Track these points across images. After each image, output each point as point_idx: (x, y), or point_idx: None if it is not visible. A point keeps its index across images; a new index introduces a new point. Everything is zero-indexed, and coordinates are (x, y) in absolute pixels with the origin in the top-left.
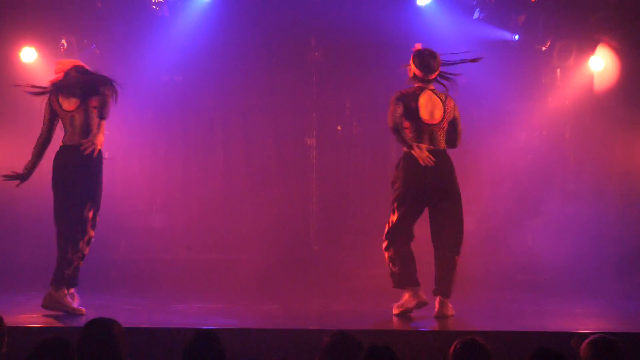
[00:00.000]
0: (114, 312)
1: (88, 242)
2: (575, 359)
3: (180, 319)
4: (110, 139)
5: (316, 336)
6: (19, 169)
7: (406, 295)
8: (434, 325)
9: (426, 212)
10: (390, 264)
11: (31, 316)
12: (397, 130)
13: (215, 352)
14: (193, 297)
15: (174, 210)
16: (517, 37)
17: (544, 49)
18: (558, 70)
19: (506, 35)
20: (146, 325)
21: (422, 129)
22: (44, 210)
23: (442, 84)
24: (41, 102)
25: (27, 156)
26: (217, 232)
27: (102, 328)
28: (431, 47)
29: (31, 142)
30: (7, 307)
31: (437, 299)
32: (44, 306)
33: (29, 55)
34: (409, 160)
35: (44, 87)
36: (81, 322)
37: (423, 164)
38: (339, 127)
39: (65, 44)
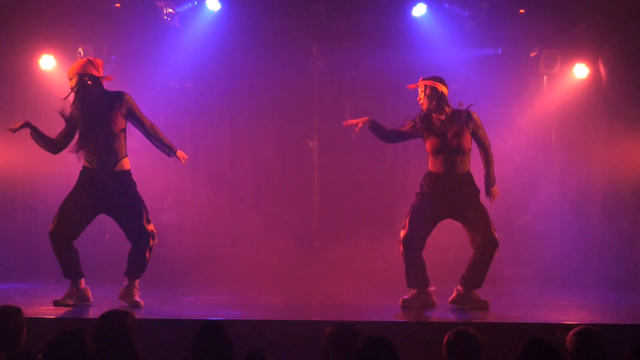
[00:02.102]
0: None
1: None
2: (561, 348)
3: (190, 310)
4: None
5: (317, 327)
6: (47, 171)
7: (414, 292)
8: (428, 317)
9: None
10: (405, 266)
11: (49, 308)
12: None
13: (222, 342)
14: (201, 289)
15: (184, 208)
16: (500, 50)
17: (532, 54)
18: (544, 77)
19: (494, 44)
20: (157, 317)
21: None
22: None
23: None
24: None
25: (48, 158)
26: (224, 229)
27: (115, 319)
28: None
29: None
30: (27, 299)
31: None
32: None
33: (47, 62)
34: (427, 177)
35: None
36: (96, 313)
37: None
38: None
39: (82, 52)
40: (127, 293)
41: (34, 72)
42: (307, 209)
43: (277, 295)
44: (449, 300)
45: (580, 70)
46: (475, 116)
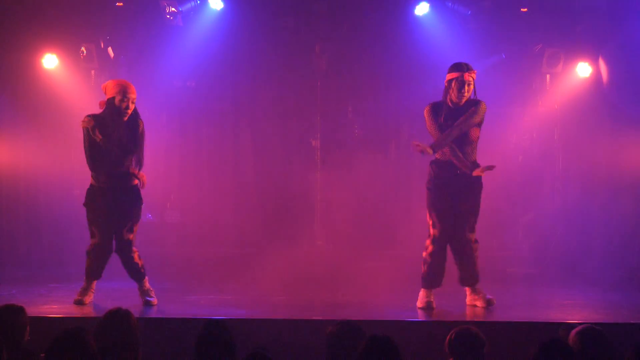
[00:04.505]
0: (131, 302)
1: None
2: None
3: (193, 309)
4: None
5: (320, 326)
6: (50, 170)
7: (421, 294)
8: (431, 316)
9: None
10: (429, 265)
11: (52, 307)
12: None
13: (225, 341)
14: (204, 289)
15: (187, 207)
16: (504, 55)
17: (537, 48)
18: (547, 76)
19: (497, 43)
20: (160, 315)
21: None
22: (64, 211)
23: None
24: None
25: (52, 157)
26: (227, 227)
27: (119, 318)
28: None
29: (55, 144)
30: (30, 299)
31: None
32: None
33: (50, 61)
34: (433, 165)
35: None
36: (98, 312)
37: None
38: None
39: (85, 52)
40: (141, 295)
41: (37, 71)
42: (309, 207)
43: (279, 294)
44: (467, 301)
45: (583, 69)
46: (482, 106)
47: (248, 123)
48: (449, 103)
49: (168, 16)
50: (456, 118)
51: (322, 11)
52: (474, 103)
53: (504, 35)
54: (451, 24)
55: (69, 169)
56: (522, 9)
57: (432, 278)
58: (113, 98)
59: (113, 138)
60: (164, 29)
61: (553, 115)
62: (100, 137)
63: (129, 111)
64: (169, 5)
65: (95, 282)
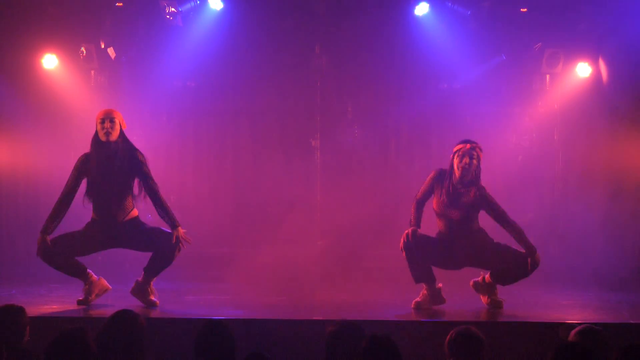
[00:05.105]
0: (129, 302)
1: None
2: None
3: (192, 309)
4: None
5: (320, 326)
6: (50, 170)
7: (424, 292)
8: (431, 316)
9: None
10: (408, 263)
11: (52, 307)
12: None
13: (224, 341)
14: (204, 289)
15: (187, 207)
16: (504, 56)
17: (536, 49)
18: (547, 76)
19: (496, 43)
20: (159, 316)
21: None
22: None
23: None
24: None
25: (51, 157)
26: (227, 227)
27: (128, 319)
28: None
29: (55, 144)
30: (30, 299)
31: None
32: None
33: (50, 61)
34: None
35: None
36: (98, 313)
37: None
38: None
39: (85, 52)
40: (142, 290)
41: (37, 71)
42: (309, 207)
43: (279, 295)
44: (471, 282)
45: (583, 69)
46: (485, 193)
47: (248, 123)
48: (455, 174)
49: (168, 16)
50: (455, 195)
51: (322, 11)
52: (478, 189)
53: (504, 35)
54: (451, 24)
55: (69, 168)
56: (522, 9)
57: (414, 273)
58: (96, 131)
59: (100, 174)
60: (164, 29)
61: (553, 115)
62: (88, 176)
63: (113, 132)
64: (168, 6)
65: (89, 271)
